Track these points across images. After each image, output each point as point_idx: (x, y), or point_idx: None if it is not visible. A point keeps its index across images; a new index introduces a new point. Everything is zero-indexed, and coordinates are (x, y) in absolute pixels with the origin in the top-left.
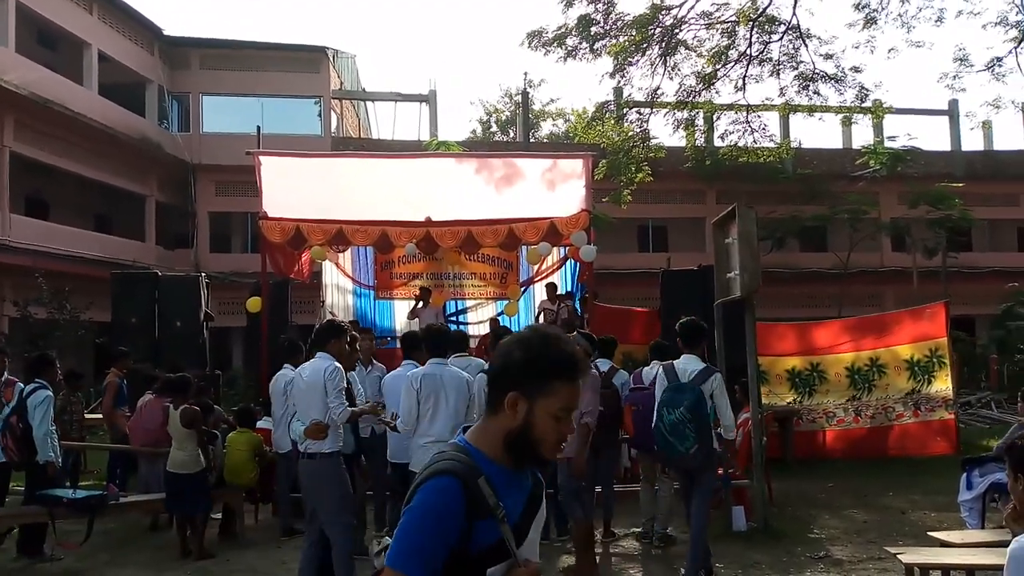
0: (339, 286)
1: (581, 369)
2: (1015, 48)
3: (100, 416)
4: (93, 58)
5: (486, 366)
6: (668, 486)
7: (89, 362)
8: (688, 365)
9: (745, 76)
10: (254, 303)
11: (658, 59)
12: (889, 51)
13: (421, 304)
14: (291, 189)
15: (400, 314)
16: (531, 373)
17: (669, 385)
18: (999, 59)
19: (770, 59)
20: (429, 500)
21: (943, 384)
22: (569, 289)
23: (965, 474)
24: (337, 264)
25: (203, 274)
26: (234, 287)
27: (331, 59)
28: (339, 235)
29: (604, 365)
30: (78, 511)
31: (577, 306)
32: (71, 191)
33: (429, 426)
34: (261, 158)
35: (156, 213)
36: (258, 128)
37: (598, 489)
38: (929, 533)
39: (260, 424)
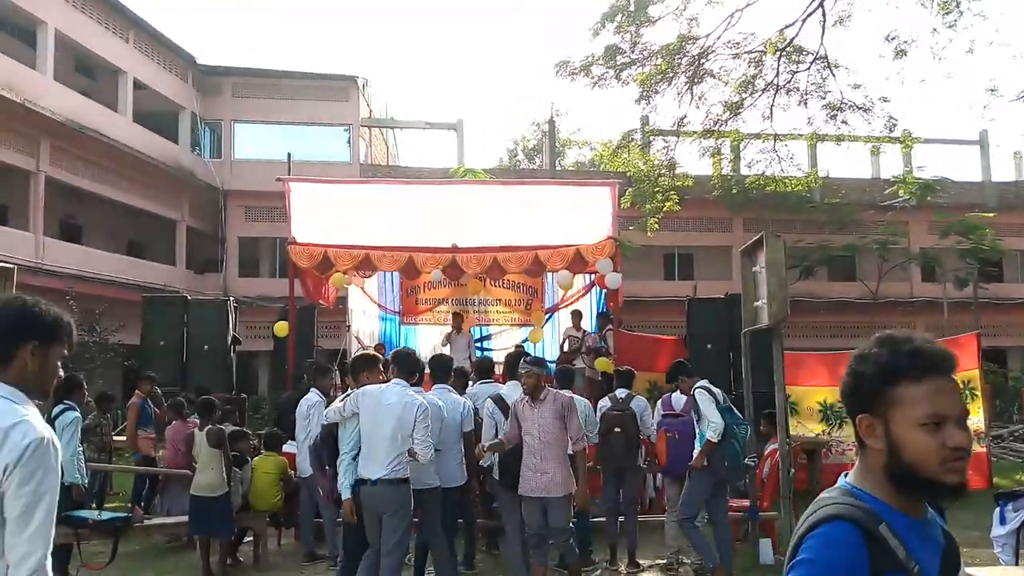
0: (365, 311)
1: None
2: None
3: (123, 439)
4: (128, 86)
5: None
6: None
7: (118, 384)
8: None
9: (772, 105)
10: (281, 327)
11: (685, 88)
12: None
13: (454, 331)
14: (320, 215)
15: (425, 339)
16: (868, 386)
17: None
18: None
19: (797, 89)
20: (825, 552)
21: (975, 416)
22: (602, 312)
23: (998, 509)
24: (363, 289)
25: (231, 298)
26: (261, 311)
27: (361, 88)
28: (366, 261)
29: (622, 393)
30: (103, 533)
31: (594, 332)
32: (104, 216)
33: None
34: (291, 184)
35: (187, 238)
36: (288, 155)
37: (620, 517)
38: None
39: (286, 448)
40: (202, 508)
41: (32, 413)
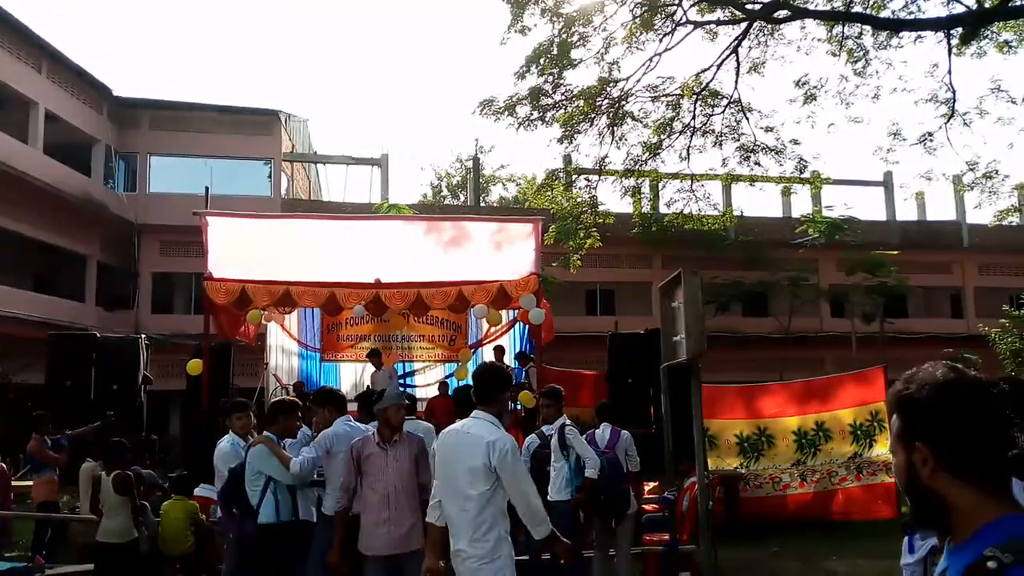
0: (284, 348)
1: None
2: (945, 124)
3: (29, 483)
4: (40, 117)
5: (432, 430)
6: (627, 551)
7: (20, 428)
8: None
9: (689, 146)
10: (194, 366)
11: (606, 129)
12: (829, 126)
13: (374, 368)
14: (238, 250)
15: (346, 376)
16: None
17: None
18: (930, 134)
19: (713, 131)
20: None
21: (883, 448)
22: (521, 351)
23: (907, 538)
24: (283, 326)
25: (143, 336)
26: (175, 349)
27: (283, 122)
28: (286, 296)
29: (549, 430)
30: None
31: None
32: (9, 250)
33: None
34: (208, 218)
35: (98, 273)
36: (206, 189)
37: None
38: None
39: (197, 492)
40: (110, 557)
41: None
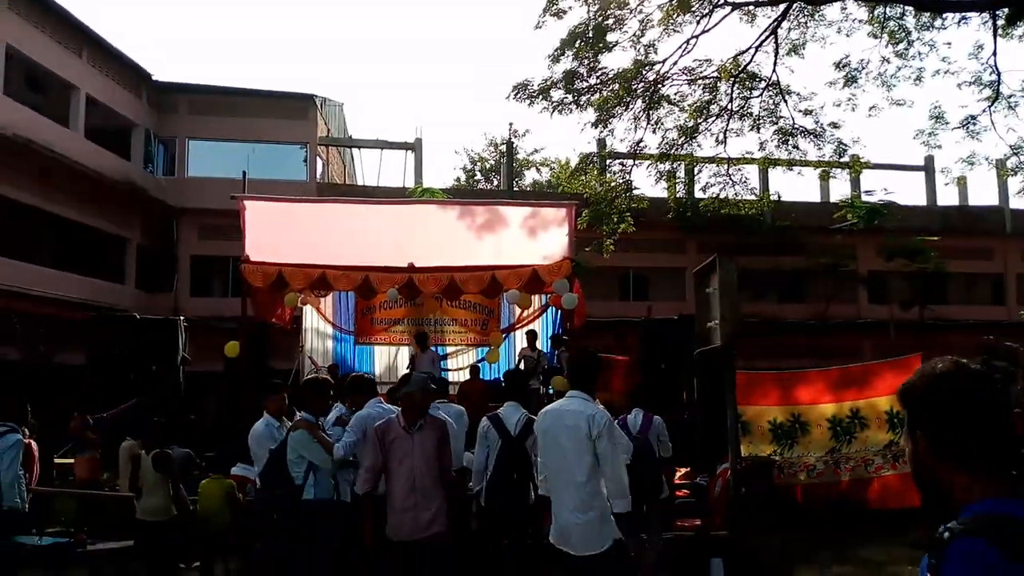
0: (319, 331)
1: None
2: (989, 107)
3: (71, 461)
4: (81, 101)
5: (463, 413)
6: (659, 536)
7: (61, 407)
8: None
9: (726, 130)
10: (232, 347)
11: (641, 112)
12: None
13: (418, 351)
14: (275, 234)
15: (380, 359)
16: None
17: None
18: (974, 117)
19: (750, 114)
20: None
21: None
22: (555, 334)
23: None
24: (318, 309)
25: (182, 317)
26: (214, 331)
27: (318, 106)
28: (321, 280)
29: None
30: (45, 560)
31: (548, 352)
32: (52, 233)
33: None
34: (246, 202)
35: (137, 256)
36: (244, 173)
37: None
38: None
39: (234, 471)
40: (148, 534)
41: None
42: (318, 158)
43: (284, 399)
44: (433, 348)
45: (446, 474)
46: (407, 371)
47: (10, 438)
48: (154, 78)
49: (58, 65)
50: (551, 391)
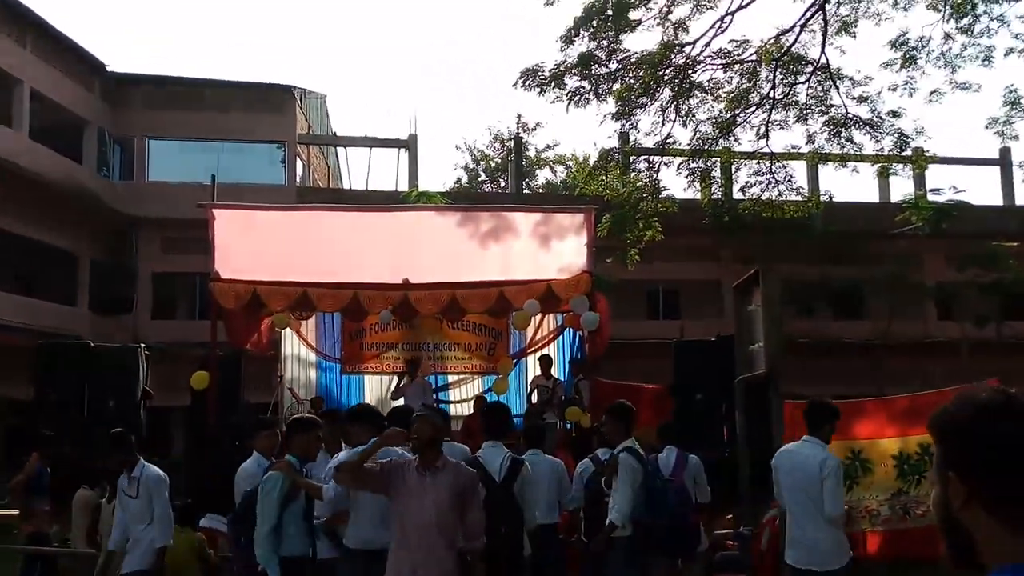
0: (301, 358)
1: None
2: None
3: (14, 512)
4: (24, 96)
5: (468, 453)
6: None
7: (1, 447)
8: None
9: (768, 122)
10: (199, 378)
11: (669, 103)
12: (931, 93)
13: (407, 379)
14: (249, 247)
15: (371, 391)
16: None
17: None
18: None
19: (796, 103)
20: None
21: None
22: (574, 358)
23: None
24: (299, 333)
25: (142, 345)
26: (178, 359)
27: (298, 99)
28: (303, 300)
29: (605, 454)
30: None
31: (565, 381)
32: None
33: None
34: (215, 211)
35: (91, 274)
36: (213, 177)
37: None
38: None
39: (203, 523)
40: None
41: None
42: (298, 158)
43: (278, 436)
44: (428, 378)
45: (471, 538)
46: (395, 404)
47: None
48: (109, 69)
49: None
50: (569, 426)
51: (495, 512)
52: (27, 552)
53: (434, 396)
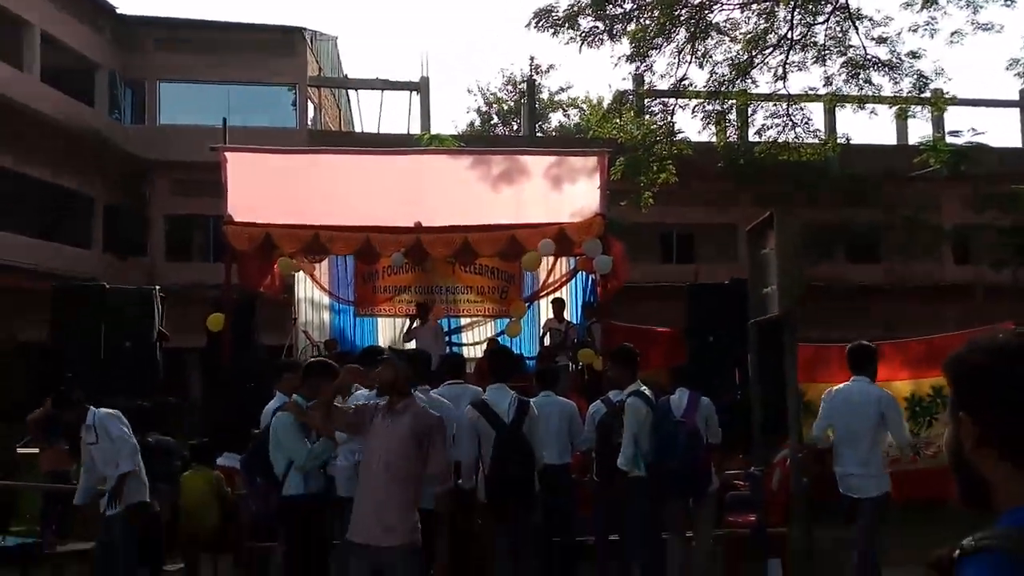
0: (314, 301)
1: None
2: None
3: (35, 451)
4: (35, 39)
5: (482, 394)
6: (708, 534)
7: (21, 390)
8: None
9: (786, 63)
10: (215, 320)
11: (685, 44)
12: (952, 34)
13: (418, 322)
14: (261, 190)
15: (384, 333)
16: None
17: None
18: None
19: (814, 43)
20: None
21: None
22: (587, 302)
23: None
24: (312, 276)
25: (157, 287)
26: (193, 301)
27: (308, 41)
28: (315, 243)
29: (616, 395)
30: (9, 562)
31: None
32: (3, 191)
33: None
34: (227, 154)
35: (104, 217)
36: (224, 120)
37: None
38: None
39: (220, 461)
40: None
41: None
42: (309, 101)
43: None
44: (441, 321)
45: (439, 482)
46: (404, 347)
47: None
48: (118, 11)
49: None
50: (580, 366)
51: (505, 453)
52: (47, 489)
53: (446, 339)
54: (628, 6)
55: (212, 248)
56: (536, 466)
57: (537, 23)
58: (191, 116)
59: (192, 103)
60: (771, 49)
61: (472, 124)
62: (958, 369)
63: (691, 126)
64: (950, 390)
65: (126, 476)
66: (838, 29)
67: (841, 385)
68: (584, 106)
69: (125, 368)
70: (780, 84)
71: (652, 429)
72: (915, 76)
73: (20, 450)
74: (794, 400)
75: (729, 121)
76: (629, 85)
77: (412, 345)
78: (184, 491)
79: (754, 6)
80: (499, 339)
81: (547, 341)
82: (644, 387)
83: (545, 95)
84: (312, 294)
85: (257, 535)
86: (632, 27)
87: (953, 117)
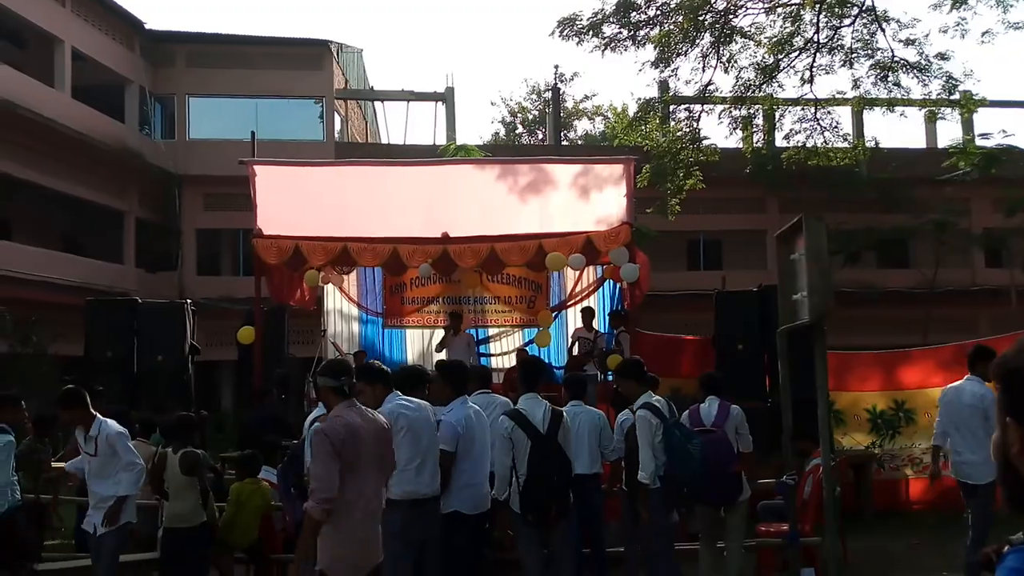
0: (343, 313)
1: None
2: None
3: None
4: (66, 56)
5: (510, 404)
6: (739, 543)
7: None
8: None
9: (813, 67)
10: (246, 333)
11: (710, 49)
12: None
13: (451, 333)
14: (290, 202)
15: (412, 344)
16: None
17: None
18: None
19: (842, 46)
20: None
21: None
22: (614, 310)
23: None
24: (341, 288)
25: (188, 300)
26: (224, 315)
27: (335, 54)
28: (343, 255)
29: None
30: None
31: (606, 332)
32: (38, 207)
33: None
34: (256, 167)
35: (136, 231)
36: (252, 133)
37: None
38: None
39: (262, 475)
40: (177, 543)
41: None
42: (336, 114)
43: None
44: (469, 331)
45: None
46: (438, 358)
47: (1, 439)
48: (148, 27)
49: (38, 15)
50: (610, 377)
51: (542, 461)
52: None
53: (481, 350)
54: (652, 12)
55: (242, 261)
56: (572, 473)
57: (561, 32)
58: (220, 130)
59: (221, 117)
60: (797, 52)
61: (497, 135)
62: (1005, 373)
63: (718, 132)
64: (998, 394)
65: (125, 499)
66: (865, 32)
67: (955, 383)
68: (609, 114)
69: (158, 381)
70: (807, 88)
71: (663, 439)
72: (944, 78)
73: (55, 463)
74: (824, 407)
75: (756, 126)
76: (654, 92)
77: (443, 355)
78: (240, 503)
79: (779, 9)
80: (528, 349)
81: (576, 350)
82: (656, 397)
83: (570, 103)
84: (341, 306)
85: (289, 547)
86: (656, 32)
87: (983, 119)
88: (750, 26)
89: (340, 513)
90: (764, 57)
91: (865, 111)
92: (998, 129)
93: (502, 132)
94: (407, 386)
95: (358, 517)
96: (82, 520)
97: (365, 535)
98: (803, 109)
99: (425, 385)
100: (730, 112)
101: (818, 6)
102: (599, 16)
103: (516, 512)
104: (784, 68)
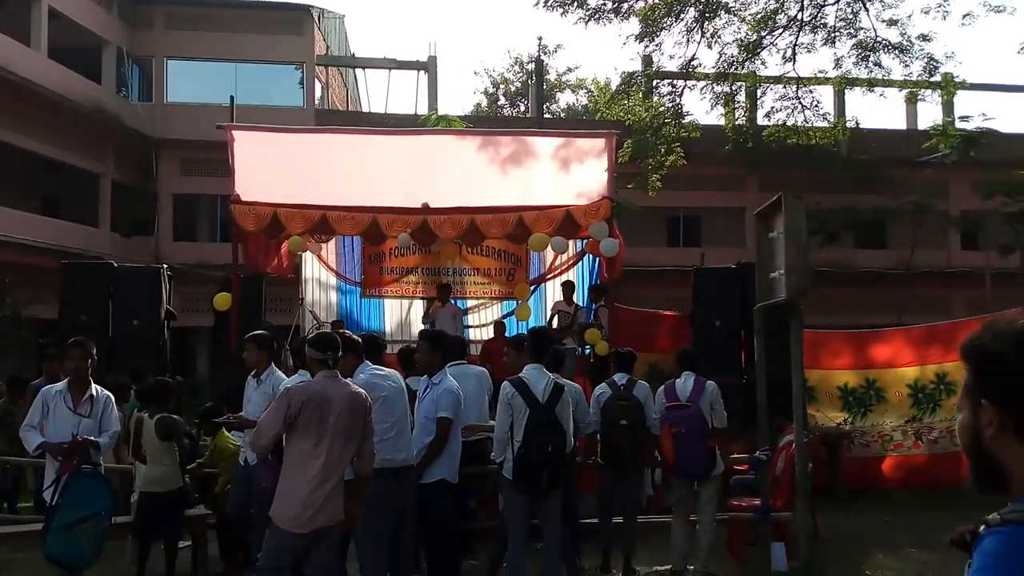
0: (321, 281)
1: None
2: None
3: None
4: (43, 15)
5: (486, 375)
6: (711, 517)
7: (32, 366)
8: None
9: (795, 45)
10: (222, 300)
11: (694, 23)
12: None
13: (438, 304)
14: (268, 169)
15: (390, 314)
16: None
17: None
18: None
19: (824, 25)
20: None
21: None
22: (594, 284)
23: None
24: (319, 256)
25: (165, 265)
26: (200, 281)
27: (316, 20)
28: (322, 223)
29: (622, 378)
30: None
31: (585, 306)
32: (13, 168)
33: None
34: (234, 132)
35: (112, 194)
36: (231, 98)
37: (617, 519)
38: None
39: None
40: (153, 507)
41: None
42: (316, 80)
43: None
44: (454, 302)
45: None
46: (424, 327)
47: None
48: None
49: None
50: (587, 350)
51: (540, 430)
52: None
53: (463, 322)
54: None
55: (219, 227)
56: (567, 447)
57: (545, 2)
58: (198, 94)
59: (199, 81)
60: (781, 30)
61: (479, 105)
62: (980, 355)
63: (699, 108)
64: (969, 375)
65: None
66: (848, 10)
67: None
68: (591, 87)
69: (133, 346)
70: (789, 66)
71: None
72: (925, 59)
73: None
74: (798, 384)
75: (738, 103)
76: (637, 66)
77: (429, 327)
78: (221, 455)
79: None
80: (506, 321)
81: (555, 323)
82: (522, 374)
83: (552, 76)
84: (319, 274)
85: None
86: (640, 6)
87: (963, 101)
88: (734, 2)
89: (291, 470)
90: (747, 34)
91: (846, 91)
92: (978, 112)
93: (484, 103)
94: (369, 354)
95: (309, 475)
96: (43, 485)
97: (316, 495)
98: (785, 87)
99: (382, 353)
100: (712, 88)
101: None
102: None
103: (508, 479)
104: (767, 45)
